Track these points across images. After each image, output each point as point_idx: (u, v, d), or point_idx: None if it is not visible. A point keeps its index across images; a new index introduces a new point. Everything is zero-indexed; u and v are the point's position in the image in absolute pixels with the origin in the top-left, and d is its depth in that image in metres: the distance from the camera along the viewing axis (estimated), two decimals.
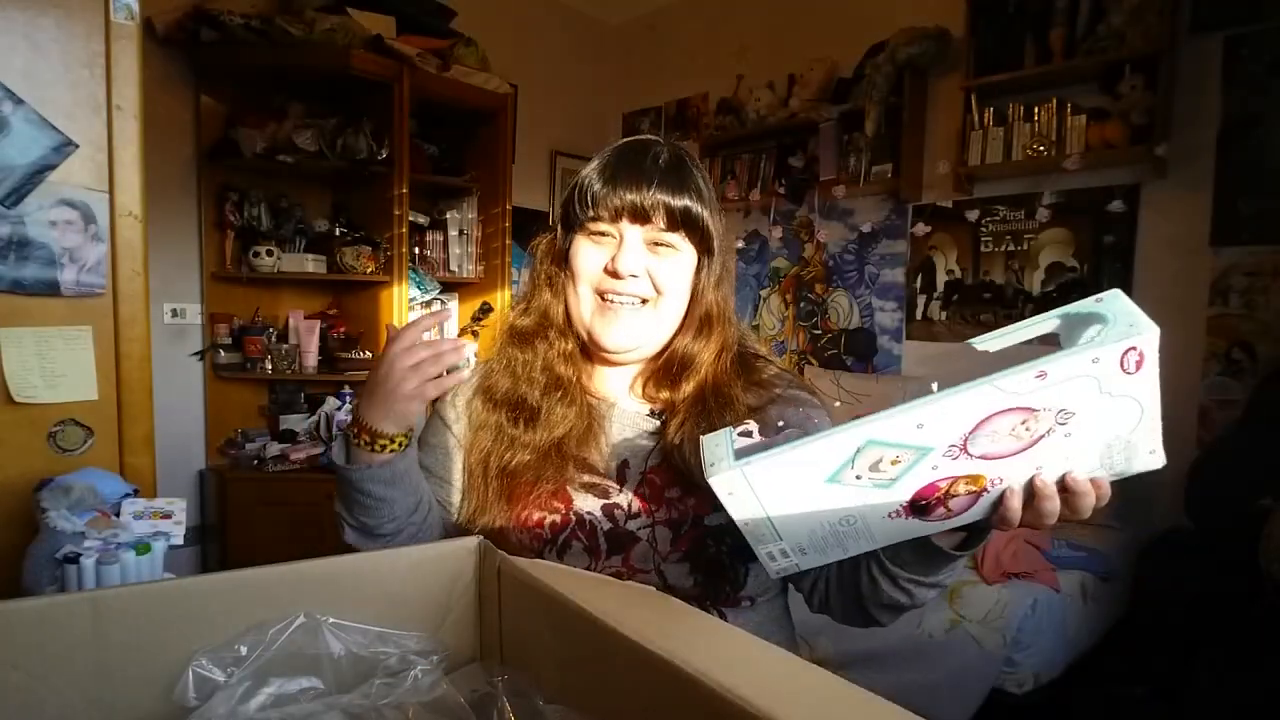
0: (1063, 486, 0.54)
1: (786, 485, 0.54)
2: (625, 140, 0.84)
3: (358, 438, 0.76)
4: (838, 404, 3.07)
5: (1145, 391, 0.47)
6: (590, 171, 0.81)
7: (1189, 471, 2.18)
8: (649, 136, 0.85)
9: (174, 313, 2.68)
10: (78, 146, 1.21)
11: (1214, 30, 2.33)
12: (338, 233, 2.83)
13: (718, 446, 0.57)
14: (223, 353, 2.74)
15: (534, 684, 0.49)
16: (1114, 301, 0.49)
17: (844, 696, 0.38)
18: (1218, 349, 2.35)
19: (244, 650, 0.50)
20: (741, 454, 0.55)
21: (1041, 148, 2.56)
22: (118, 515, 1.04)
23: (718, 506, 0.77)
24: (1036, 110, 2.59)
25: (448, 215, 3.20)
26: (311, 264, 2.77)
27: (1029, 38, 2.59)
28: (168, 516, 1.05)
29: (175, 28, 2.51)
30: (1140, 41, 2.36)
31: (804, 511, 0.55)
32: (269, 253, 2.70)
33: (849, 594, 0.75)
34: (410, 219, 2.88)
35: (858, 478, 0.52)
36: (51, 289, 1.21)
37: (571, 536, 0.80)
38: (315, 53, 2.59)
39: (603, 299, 0.81)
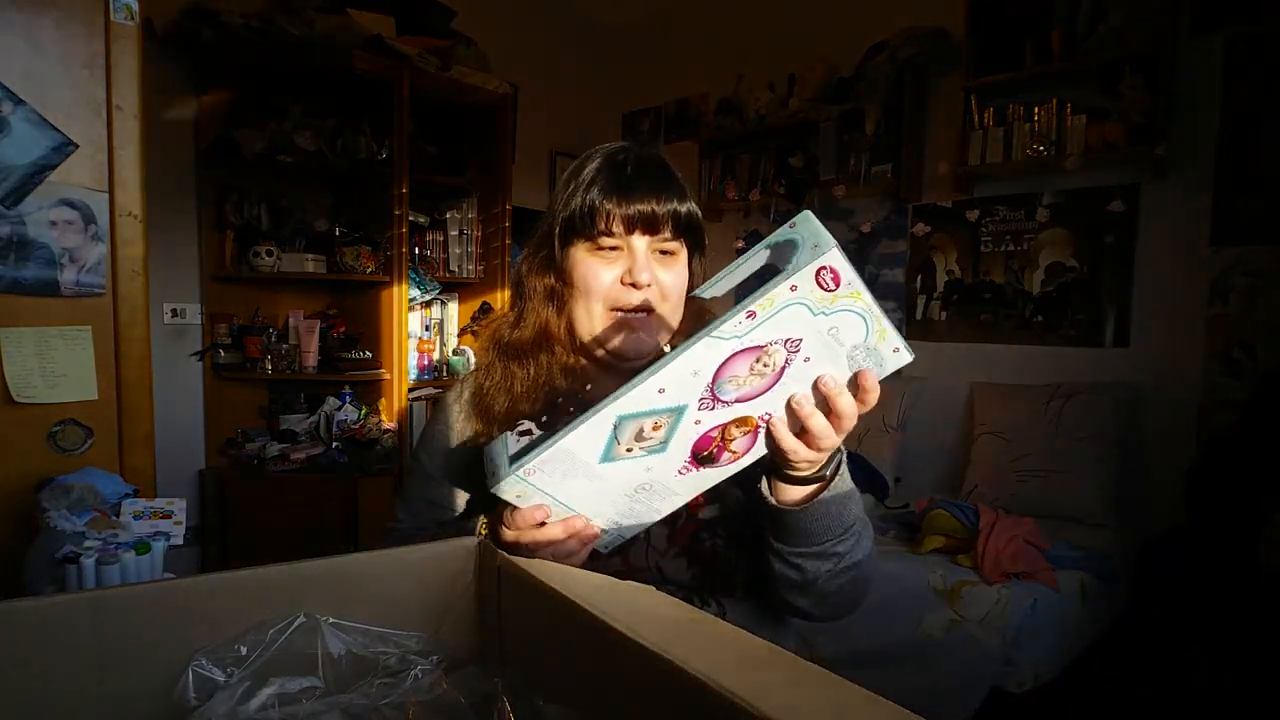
0: (821, 395, 0.55)
1: (566, 474, 0.55)
2: (605, 150, 0.83)
3: None
4: None
5: (858, 304, 0.49)
6: (589, 185, 0.79)
7: (1189, 471, 2.18)
8: (622, 144, 0.84)
9: (174, 313, 2.68)
10: (78, 146, 1.21)
11: (1214, 30, 2.33)
12: (338, 233, 2.83)
13: (497, 455, 0.58)
14: (223, 353, 2.74)
15: (534, 684, 0.49)
16: (804, 225, 0.51)
17: (844, 696, 0.38)
18: (1218, 349, 2.35)
19: (244, 650, 0.50)
20: (517, 457, 0.56)
21: (1041, 148, 2.56)
22: (118, 515, 1.04)
23: (710, 499, 0.78)
24: (1036, 110, 2.59)
25: (448, 215, 3.20)
26: (311, 264, 2.77)
27: (1029, 38, 2.59)
28: (168, 516, 1.05)
29: (175, 27, 2.52)
30: (1140, 41, 2.36)
31: (597, 491, 0.57)
32: (269, 253, 2.70)
33: (768, 583, 0.77)
34: (410, 219, 2.88)
35: (629, 450, 0.53)
36: (51, 289, 1.21)
37: None
38: (315, 53, 2.59)
39: (615, 312, 0.81)
